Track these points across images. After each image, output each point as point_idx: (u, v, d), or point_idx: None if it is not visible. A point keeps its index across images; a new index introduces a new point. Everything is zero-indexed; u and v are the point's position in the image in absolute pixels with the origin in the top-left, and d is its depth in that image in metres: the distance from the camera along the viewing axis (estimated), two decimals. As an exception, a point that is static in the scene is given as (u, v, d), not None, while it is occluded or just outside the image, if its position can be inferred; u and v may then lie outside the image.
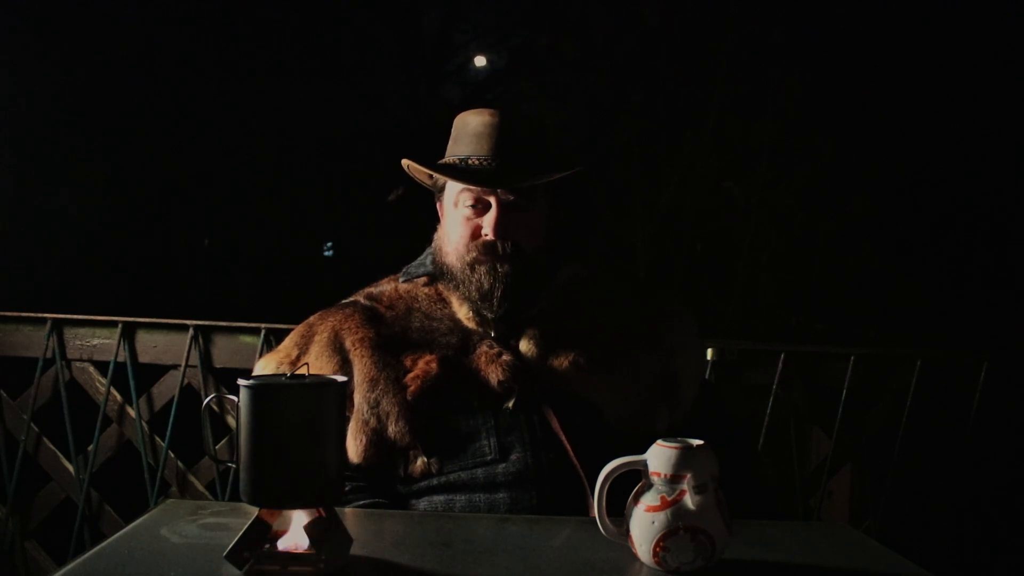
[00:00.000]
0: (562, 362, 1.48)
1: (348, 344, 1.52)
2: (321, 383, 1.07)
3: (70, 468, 2.34)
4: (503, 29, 10.59)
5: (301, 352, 1.54)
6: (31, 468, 2.36)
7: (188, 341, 2.30)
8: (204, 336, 2.31)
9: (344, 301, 1.63)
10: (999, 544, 2.39)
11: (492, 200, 1.49)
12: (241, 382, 1.04)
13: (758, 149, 5.43)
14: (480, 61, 11.33)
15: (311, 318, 1.61)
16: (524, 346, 1.50)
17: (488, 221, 1.49)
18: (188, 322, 2.31)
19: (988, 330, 4.79)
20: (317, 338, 1.55)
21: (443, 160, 1.56)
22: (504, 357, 1.47)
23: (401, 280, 1.63)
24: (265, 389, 1.04)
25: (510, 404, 1.45)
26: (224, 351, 2.32)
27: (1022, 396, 2.41)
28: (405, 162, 1.58)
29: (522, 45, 9.52)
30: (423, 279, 1.61)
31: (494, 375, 1.46)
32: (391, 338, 1.52)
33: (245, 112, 8.95)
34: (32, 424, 2.34)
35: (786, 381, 2.34)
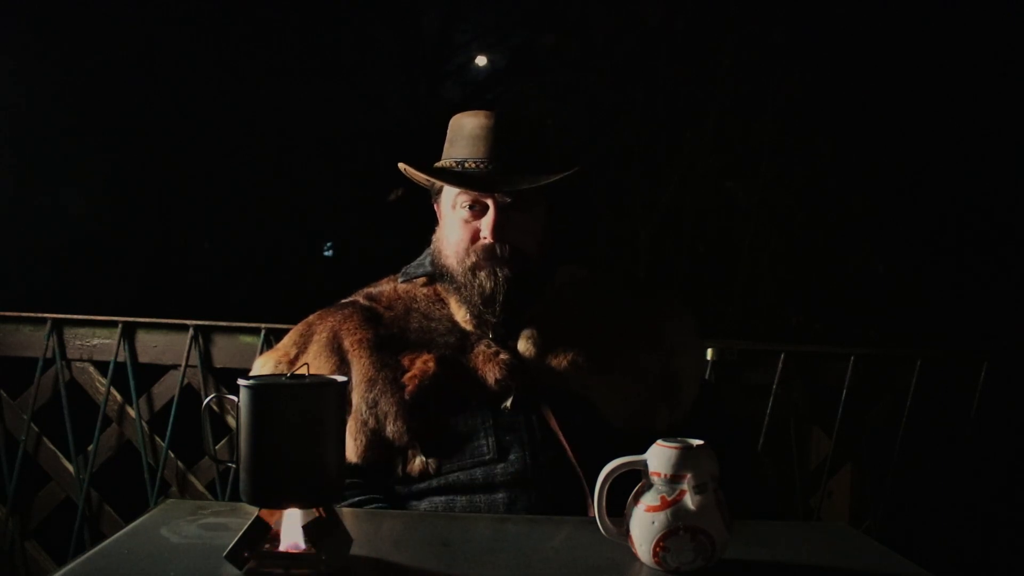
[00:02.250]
0: (560, 362, 1.48)
1: (347, 345, 1.52)
2: (321, 383, 1.07)
3: (70, 468, 2.34)
4: (503, 29, 10.59)
5: (300, 351, 1.54)
6: (31, 468, 2.36)
7: (188, 341, 2.30)
8: (204, 336, 2.31)
9: (343, 301, 1.63)
10: (999, 544, 2.39)
11: (490, 203, 1.49)
12: (241, 382, 1.04)
13: (758, 149, 5.43)
14: (481, 61, 11.32)
15: (310, 317, 1.61)
16: (522, 346, 1.50)
17: (486, 224, 1.49)
18: (188, 322, 2.31)
19: (988, 330, 4.79)
20: (316, 338, 1.55)
21: (439, 163, 1.57)
22: (502, 356, 1.47)
23: (400, 280, 1.63)
24: (265, 389, 1.04)
25: (508, 403, 1.45)
26: (224, 351, 2.32)
27: (1022, 396, 2.41)
28: (402, 165, 1.58)
29: (522, 45, 9.53)
30: (422, 279, 1.61)
31: (491, 374, 1.46)
32: (389, 339, 1.52)
33: (245, 112, 8.94)
34: (32, 424, 2.34)
35: (786, 381, 2.34)
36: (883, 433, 2.38)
